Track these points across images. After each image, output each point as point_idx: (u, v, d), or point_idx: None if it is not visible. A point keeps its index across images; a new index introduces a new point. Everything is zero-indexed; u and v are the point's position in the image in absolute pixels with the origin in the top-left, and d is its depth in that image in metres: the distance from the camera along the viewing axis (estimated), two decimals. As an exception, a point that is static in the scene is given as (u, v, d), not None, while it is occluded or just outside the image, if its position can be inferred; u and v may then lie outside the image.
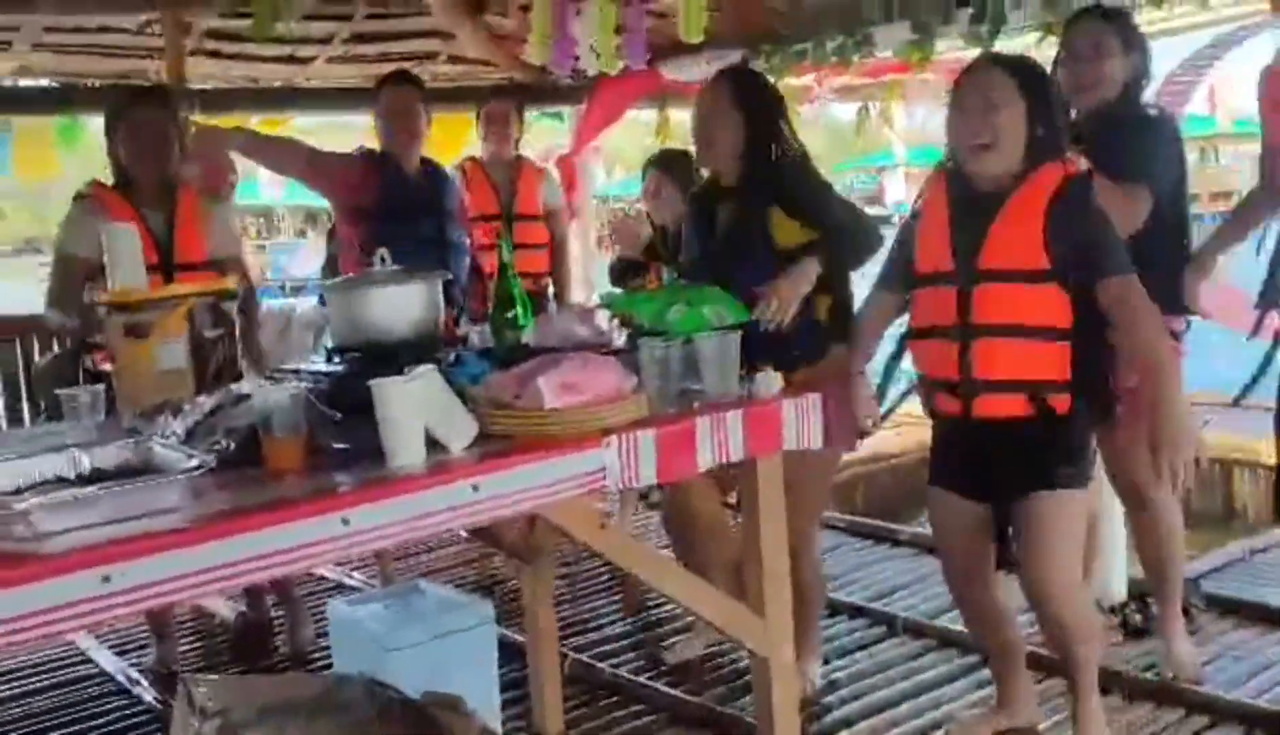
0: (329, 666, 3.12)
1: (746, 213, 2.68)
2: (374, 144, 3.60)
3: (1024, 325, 2.27)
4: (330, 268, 3.93)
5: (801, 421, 2.22)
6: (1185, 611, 3.24)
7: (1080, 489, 2.35)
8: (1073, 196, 2.25)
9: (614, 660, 3.36)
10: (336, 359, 2.27)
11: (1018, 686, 2.64)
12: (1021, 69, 2.32)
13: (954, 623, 3.45)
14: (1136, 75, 2.78)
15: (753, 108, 2.72)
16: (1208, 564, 3.86)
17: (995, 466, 2.37)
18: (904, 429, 6.58)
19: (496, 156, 4.29)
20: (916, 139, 7.32)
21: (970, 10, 3.83)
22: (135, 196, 3.12)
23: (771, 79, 4.84)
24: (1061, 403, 2.29)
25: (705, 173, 2.97)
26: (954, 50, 4.47)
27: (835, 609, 3.68)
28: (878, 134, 7.16)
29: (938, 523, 2.57)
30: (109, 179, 3.19)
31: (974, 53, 4.22)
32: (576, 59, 4.59)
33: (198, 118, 4.63)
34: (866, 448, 6.37)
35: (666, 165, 3.76)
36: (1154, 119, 2.83)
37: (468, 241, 3.71)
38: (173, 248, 3.03)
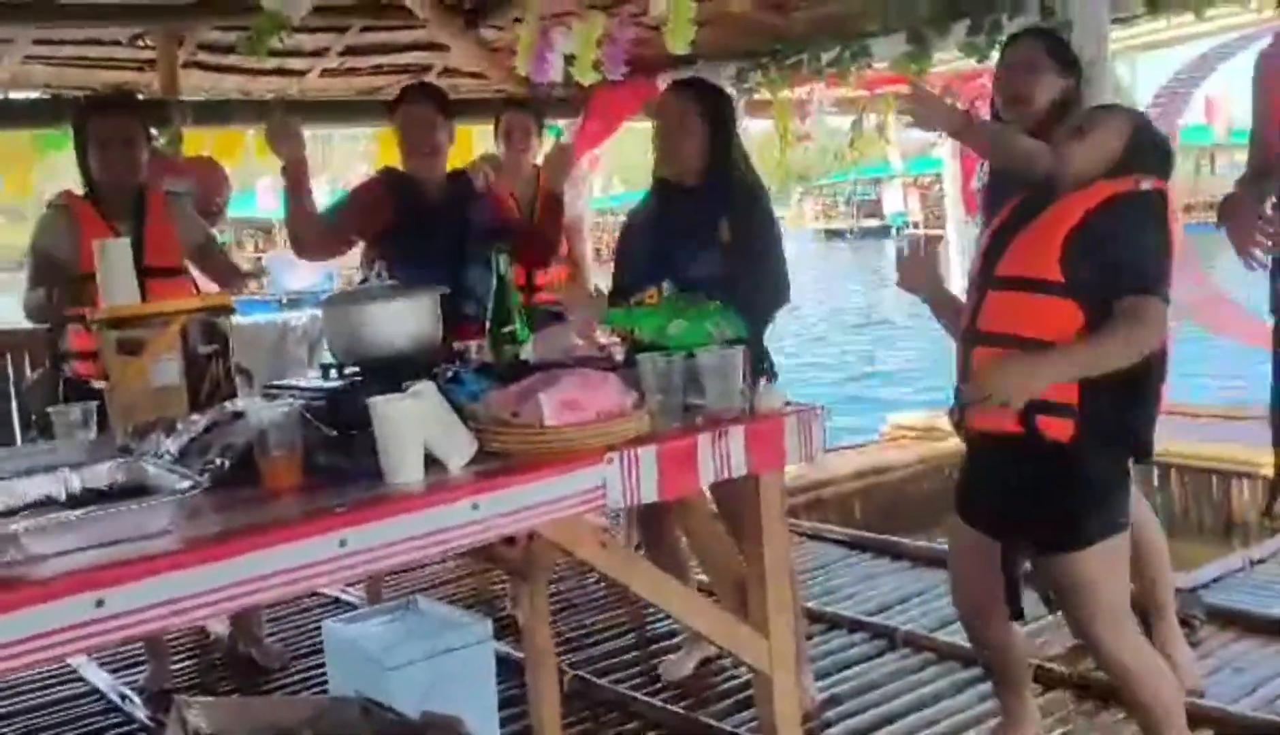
0: (324, 686, 3.09)
1: (702, 216, 2.78)
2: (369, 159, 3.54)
3: (1020, 336, 2.16)
4: None
5: (803, 436, 2.19)
6: (1186, 623, 3.23)
7: (1113, 535, 2.18)
8: (1115, 212, 2.13)
9: (613, 676, 3.33)
10: (333, 375, 2.24)
11: (1022, 705, 2.61)
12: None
13: (954, 636, 3.44)
14: (1066, 96, 2.77)
15: (716, 118, 2.85)
16: (1207, 575, 3.84)
17: (1004, 500, 2.25)
18: (904, 442, 6.58)
19: (517, 168, 4.23)
20: (913, 150, 7.34)
21: (967, 22, 3.84)
22: (104, 206, 3.11)
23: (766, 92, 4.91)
24: (1059, 429, 2.13)
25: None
26: (951, 62, 4.48)
27: (835, 623, 3.66)
28: (875, 146, 7.17)
29: (950, 549, 2.50)
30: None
31: (970, 64, 4.25)
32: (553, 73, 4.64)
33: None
34: (867, 462, 6.42)
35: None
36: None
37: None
38: (143, 254, 2.97)
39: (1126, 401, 2.16)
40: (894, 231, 37.41)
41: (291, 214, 3.08)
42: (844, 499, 5.96)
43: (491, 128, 4.32)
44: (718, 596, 2.56)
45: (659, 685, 3.27)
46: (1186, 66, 5.35)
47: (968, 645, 3.29)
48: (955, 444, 2.73)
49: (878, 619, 3.65)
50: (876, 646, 3.48)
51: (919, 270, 2.42)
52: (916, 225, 35.25)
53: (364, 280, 3.45)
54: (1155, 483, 6.07)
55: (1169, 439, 6.00)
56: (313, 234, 3.17)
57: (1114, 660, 2.24)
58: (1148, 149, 2.24)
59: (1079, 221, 2.14)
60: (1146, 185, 2.18)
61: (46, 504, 1.67)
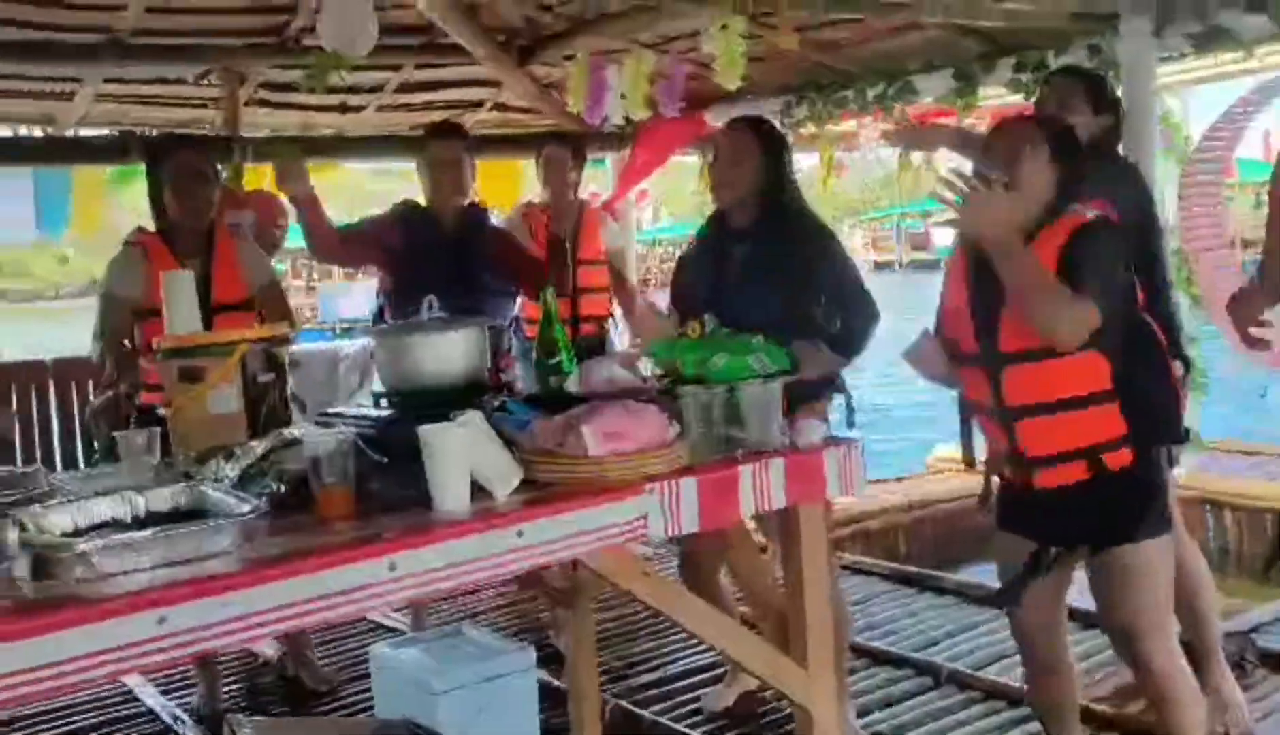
0: (371, 708, 3.14)
1: (763, 250, 2.83)
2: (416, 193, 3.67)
3: (1062, 399, 2.23)
4: (379, 318, 3.99)
5: (843, 469, 2.21)
6: (1239, 666, 3.19)
7: (1164, 534, 2.30)
8: (1079, 248, 2.19)
9: (656, 707, 3.35)
10: (384, 404, 2.31)
11: None
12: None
13: (1001, 674, 3.41)
14: (1105, 133, 2.84)
15: (773, 156, 2.90)
16: (1260, 617, 3.77)
17: (1064, 520, 2.32)
18: (948, 475, 6.53)
19: (557, 201, 4.32)
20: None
21: (1014, 60, 3.86)
22: (176, 241, 3.22)
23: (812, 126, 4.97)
24: (1120, 458, 2.25)
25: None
26: (1000, 96, 4.50)
27: (877, 658, 3.64)
28: (925, 178, 7.18)
29: (1001, 566, 2.51)
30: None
31: (1016, 99, 4.27)
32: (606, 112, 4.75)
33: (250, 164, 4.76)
34: (911, 494, 6.38)
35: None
36: (1112, 170, 2.87)
37: (511, 286, 3.76)
38: (210, 290, 3.09)
39: (1162, 414, 2.27)
40: (942, 264, 37.02)
41: (307, 231, 3.36)
42: (888, 532, 5.92)
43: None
44: (759, 629, 2.58)
45: (701, 717, 3.28)
46: (1240, 101, 5.32)
47: (1014, 684, 3.29)
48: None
49: (921, 655, 3.63)
50: (920, 683, 3.45)
51: (936, 356, 2.42)
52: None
53: (379, 308, 3.64)
54: (1208, 522, 5.97)
55: (1222, 478, 5.92)
56: (327, 241, 3.45)
57: (1152, 660, 2.29)
58: (1068, 156, 2.28)
59: (1056, 269, 2.17)
60: (1090, 214, 2.24)
61: (112, 525, 1.74)
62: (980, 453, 2.51)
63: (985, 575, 5.21)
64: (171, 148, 3.34)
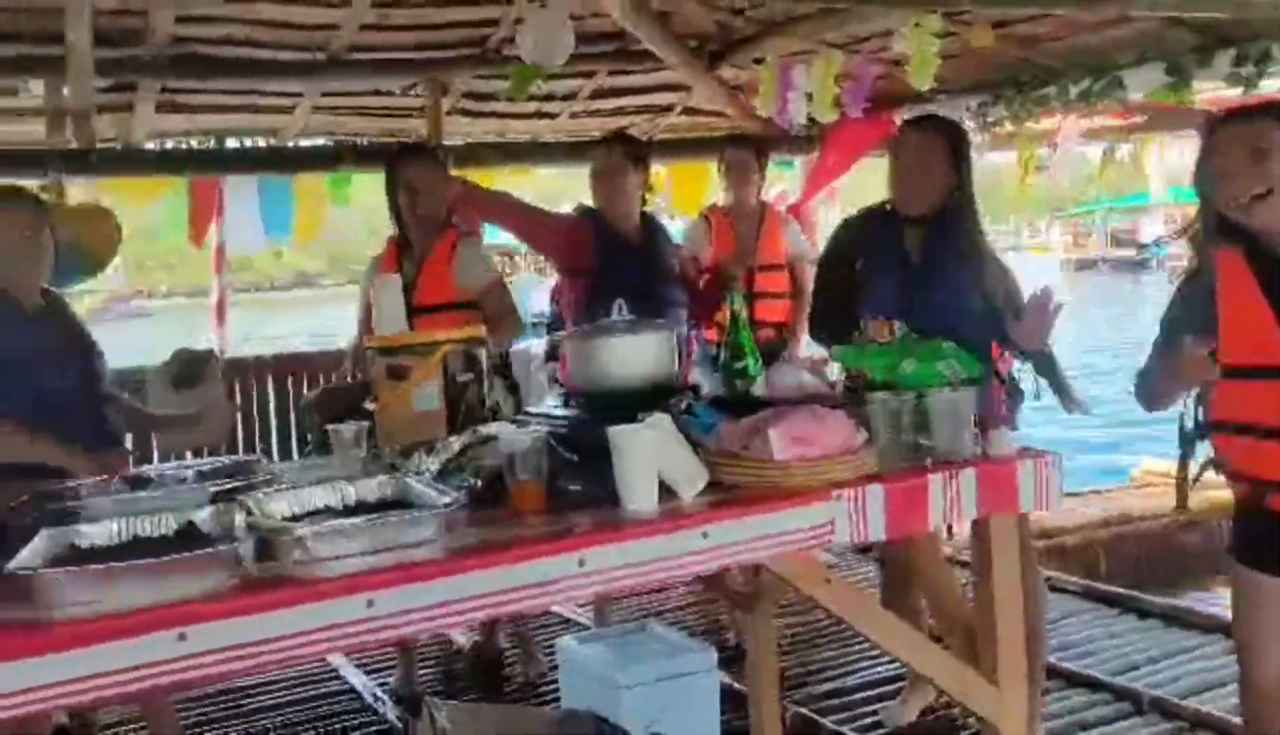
0: (556, 699, 3.23)
1: (943, 241, 2.77)
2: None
3: None
4: (554, 326, 4.07)
5: (1038, 481, 2.13)
6: None
7: None
8: None
9: (835, 716, 3.31)
10: (574, 403, 2.37)
11: None
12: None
13: (1208, 704, 3.21)
14: None
15: (961, 159, 2.82)
16: None
17: None
18: (1155, 490, 6.17)
19: (739, 204, 4.34)
20: (1175, 177, 6.85)
21: (1233, 51, 3.61)
22: (406, 245, 3.40)
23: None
24: None
25: None
26: (1215, 88, 4.22)
27: (1071, 680, 3.49)
28: (1132, 172, 6.81)
29: (1249, 604, 2.29)
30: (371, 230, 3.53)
31: (1232, 93, 3.99)
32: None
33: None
34: (1113, 509, 6.06)
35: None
36: None
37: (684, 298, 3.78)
38: (414, 292, 3.18)
39: None
40: (1154, 263, 34.91)
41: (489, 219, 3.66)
42: (1085, 549, 5.64)
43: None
44: (946, 643, 2.52)
45: (883, 730, 3.23)
46: None
47: (1222, 715, 3.09)
48: (1217, 496, 2.56)
49: (1121, 680, 3.46)
50: (1119, 709, 3.29)
51: (1203, 363, 2.24)
52: (1182, 259, 32.72)
53: (555, 315, 3.70)
54: None
55: None
56: (532, 240, 3.79)
57: None
58: None
59: None
60: None
61: (325, 512, 1.86)
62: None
63: (1193, 599, 4.91)
64: (405, 157, 3.52)
